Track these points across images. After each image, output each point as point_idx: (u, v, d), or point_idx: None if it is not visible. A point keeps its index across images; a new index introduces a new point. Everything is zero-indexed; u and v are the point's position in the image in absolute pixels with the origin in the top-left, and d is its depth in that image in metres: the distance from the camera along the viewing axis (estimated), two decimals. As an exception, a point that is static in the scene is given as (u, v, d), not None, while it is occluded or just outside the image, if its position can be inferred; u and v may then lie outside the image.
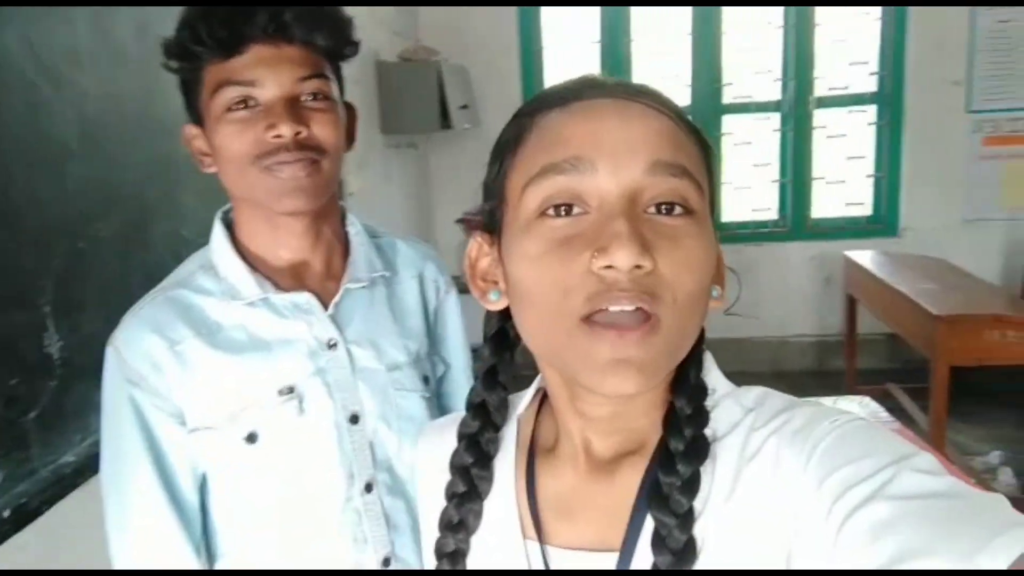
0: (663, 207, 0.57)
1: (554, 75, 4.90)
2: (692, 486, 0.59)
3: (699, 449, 0.60)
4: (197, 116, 0.99)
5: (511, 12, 4.75)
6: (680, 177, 0.57)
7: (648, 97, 0.61)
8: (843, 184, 4.75)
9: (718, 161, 0.65)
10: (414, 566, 1.03)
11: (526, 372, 0.71)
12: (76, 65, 1.52)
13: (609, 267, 0.54)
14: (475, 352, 0.73)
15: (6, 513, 1.34)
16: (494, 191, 0.65)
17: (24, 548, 1.38)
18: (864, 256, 4.22)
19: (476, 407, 0.71)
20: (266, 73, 0.93)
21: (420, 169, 4.61)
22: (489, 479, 0.69)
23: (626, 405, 0.63)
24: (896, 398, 3.98)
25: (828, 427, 0.57)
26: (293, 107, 0.94)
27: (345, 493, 1.01)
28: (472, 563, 0.69)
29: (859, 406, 2.33)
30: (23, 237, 1.43)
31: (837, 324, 4.69)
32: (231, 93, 0.94)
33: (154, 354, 0.97)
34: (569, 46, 4.87)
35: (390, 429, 1.05)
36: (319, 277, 1.05)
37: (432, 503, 0.73)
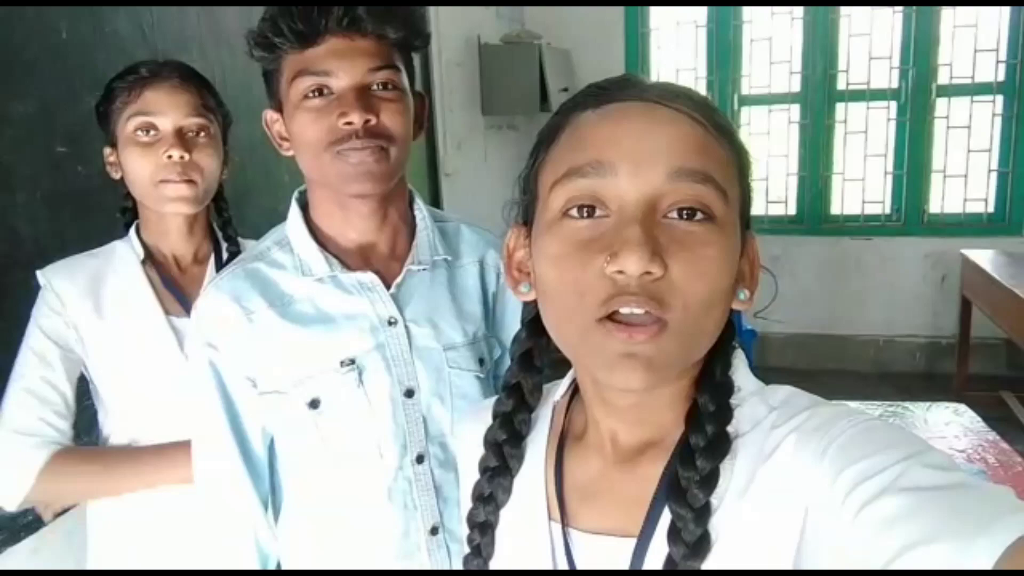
0: (684, 212, 0.58)
1: (660, 59, 4.83)
2: (710, 481, 0.60)
3: (719, 446, 0.61)
4: (277, 103, 1.05)
5: (618, -5, 4.71)
6: (703, 184, 0.58)
7: (681, 101, 0.61)
8: (964, 178, 4.48)
9: (750, 166, 0.65)
10: (462, 537, 1.07)
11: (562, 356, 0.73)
12: (184, 49, 1.63)
13: (620, 271, 0.56)
14: (513, 336, 0.77)
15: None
16: (529, 185, 0.67)
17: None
18: (983, 256, 3.99)
19: (511, 388, 0.74)
20: (339, 64, 0.98)
21: (519, 151, 4.64)
22: (520, 457, 0.72)
23: (647, 398, 0.64)
24: (1009, 406, 3.76)
25: (845, 425, 0.57)
26: (363, 96, 0.99)
27: (397, 462, 1.07)
28: (500, 537, 0.73)
29: (954, 413, 2.21)
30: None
31: (951, 326, 4.45)
32: (307, 82, 0.99)
33: (231, 322, 1.04)
34: (676, 30, 4.78)
35: (443, 405, 1.09)
36: (384, 258, 1.10)
37: (469, 477, 0.77)
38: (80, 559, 1.35)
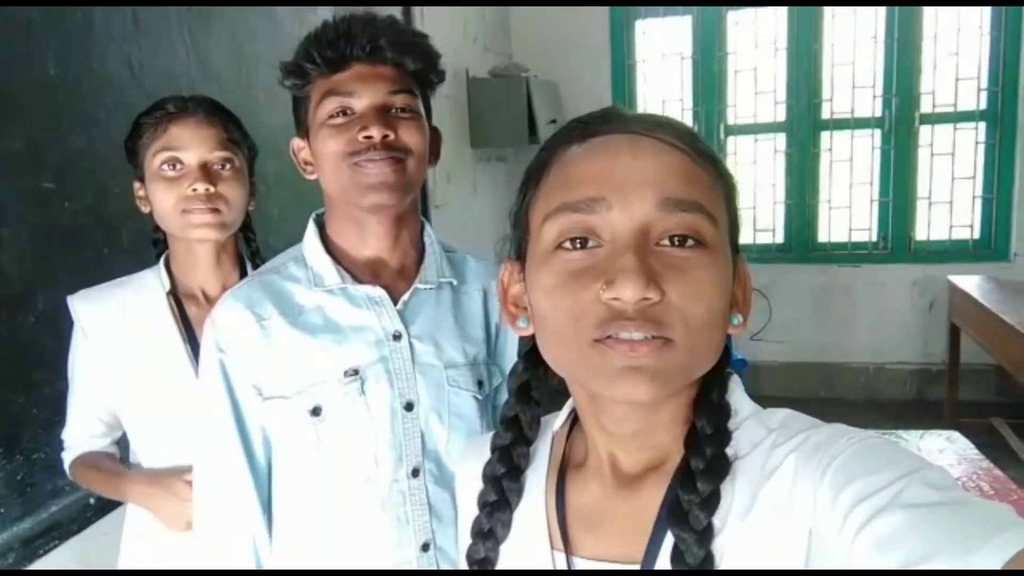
0: (675, 239, 0.59)
1: (646, 90, 4.88)
2: (711, 503, 0.60)
3: (719, 468, 0.62)
4: (304, 131, 1.13)
5: (604, 27, 4.78)
6: (691, 212, 0.59)
7: (664, 131, 0.62)
8: (949, 205, 4.52)
9: (736, 191, 0.67)
10: (452, 556, 1.10)
11: (560, 387, 0.73)
12: (174, 86, 1.64)
13: (617, 299, 0.57)
14: (511, 369, 0.77)
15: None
16: (520, 221, 0.68)
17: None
18: (970, 282, 4.02)
19: (509, 421, 0.74)
20: (362, 86, 1.07)
21: (508, 182, 4.68)
22: (519, 491, 0.72)
23: (647, 421, 0.65)
24: (1000, 433, 3.76)
25: (844, 444, 0.58)
26: (383, 114, 1.07)
27: (392, 474, 1.10)
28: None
29: (947, 440, 2.21)
30: (127, 244, 1.55)
31: (940, 353, 4.47)
32: (332, 103, 1.07)
33: (244, 328, 1.09)
34: (662, 61, 4.84)
35: (441, 422, 1.13)
36: (393, 275, 1.15)
37: (469, 512, 0.76)
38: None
